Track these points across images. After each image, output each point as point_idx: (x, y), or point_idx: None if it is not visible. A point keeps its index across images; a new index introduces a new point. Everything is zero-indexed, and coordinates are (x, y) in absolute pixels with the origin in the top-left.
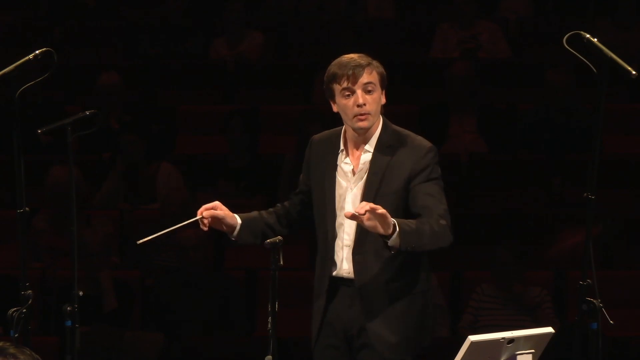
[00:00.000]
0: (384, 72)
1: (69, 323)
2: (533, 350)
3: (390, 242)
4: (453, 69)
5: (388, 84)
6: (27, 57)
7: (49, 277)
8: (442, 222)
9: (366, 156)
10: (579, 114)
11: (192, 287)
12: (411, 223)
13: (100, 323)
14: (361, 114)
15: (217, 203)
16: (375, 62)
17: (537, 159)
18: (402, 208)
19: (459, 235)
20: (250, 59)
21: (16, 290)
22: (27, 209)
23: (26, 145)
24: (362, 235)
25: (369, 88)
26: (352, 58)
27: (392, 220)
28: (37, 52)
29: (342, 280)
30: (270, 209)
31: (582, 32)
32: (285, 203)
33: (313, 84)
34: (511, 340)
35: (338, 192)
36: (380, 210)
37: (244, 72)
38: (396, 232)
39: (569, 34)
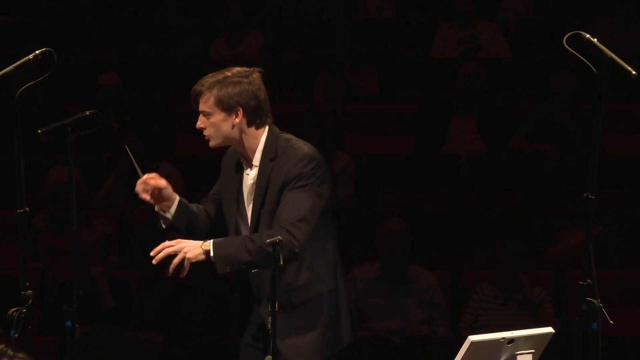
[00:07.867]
0: (230, 92)
1: (69, 323)
2: (533, 350)
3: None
4: (463, 69)
5: (388, 84)
6: (27, 57)
7: (49, 277)
8: (281, 230)
9: (254, 172)
10: (580, 113)
11: (191, 287)
12: (232, 242)
13: (100, 323)
14: (205, 136)
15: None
16: (216, 86)
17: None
18: None
19: (459, 235)
20: (250, 59)
21: (16, 290)
22: (27, 209)
23: (26, 145)
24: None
25: (205, 114)
26: (199, 82)
27: (204, 245)
28: (37, 52)
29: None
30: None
31: (582, 32)
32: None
33: (313, 84)
34: (511, 340)
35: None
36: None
37: None
38: (210, 257)
39: (569, 34)
